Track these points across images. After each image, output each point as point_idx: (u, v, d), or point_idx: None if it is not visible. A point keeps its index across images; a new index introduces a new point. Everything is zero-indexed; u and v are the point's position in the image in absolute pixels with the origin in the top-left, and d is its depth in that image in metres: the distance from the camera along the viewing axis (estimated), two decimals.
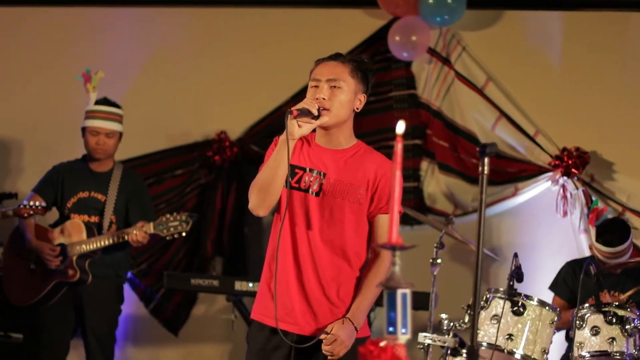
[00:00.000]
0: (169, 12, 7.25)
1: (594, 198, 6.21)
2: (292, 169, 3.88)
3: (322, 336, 3.83)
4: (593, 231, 5.66)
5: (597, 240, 5.60)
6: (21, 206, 5.54)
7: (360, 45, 6.92)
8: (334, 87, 3.86)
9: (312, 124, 3.80)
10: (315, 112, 3.77)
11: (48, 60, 7.25)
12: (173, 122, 7.11)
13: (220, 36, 7.18)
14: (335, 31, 6.96)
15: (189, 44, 7.22)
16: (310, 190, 3.89)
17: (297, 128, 3.76)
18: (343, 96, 3.86)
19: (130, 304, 6.85)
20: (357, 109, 3.94)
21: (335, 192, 3.87)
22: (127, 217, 6.00)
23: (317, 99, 3.83)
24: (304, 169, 3.92)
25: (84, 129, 6.02)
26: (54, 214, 6.09)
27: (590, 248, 5.82)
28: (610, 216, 5.85)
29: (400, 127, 2.41)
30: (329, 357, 3.83)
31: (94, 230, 5.85)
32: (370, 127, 6.73)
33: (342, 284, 3.90)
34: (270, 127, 6.88)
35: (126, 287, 6.48)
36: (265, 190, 3.82)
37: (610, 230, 5.62)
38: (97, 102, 6.02)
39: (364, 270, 3.94)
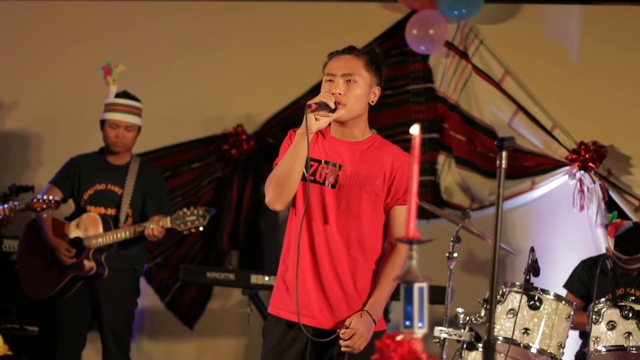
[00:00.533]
0: (186, 5, 7.25)
1: (611, 213, 6.17)
2: (308, 161, 3.88)
3: (342, 330, 3.83)
4: (612, 241, 5.63)
5: (615, 249, 5.57)
6: (34, 200, 5.52)
7: (378, 38, 6.92)
8: (349, 81, 3.85)
9: (329, 118, 3.80)
10: (333, 106, 3.77)
11: (67, 53, 7.25)
12: (190, 116, 7.12)
13: (237, 30, 7.18)
14: (353, 25, 6.95)
15: (206, 37, 7.21)
16: (327, 182, 3.89)
17: (314, 122, 3.76)
18: (358, 90, 3.86)
19: (146, 297, 6.87)
20: (372, 102, 3.94)
21: (352, 183, 3.87)
22: (143, 210, 6.01)
23: (332, 93, 3.83)
24: (319, 162, 3.92)
25: (103, 122, 6.03)
26: (70, 206, 6.11)
27: (607, 250, 5.78)
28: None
29: (415, 129, 2.40)
30: (348, 350, 3.82)
31: (110, 223, 5.85)
32: (387, 121, 6.73)
33: (359, 277, 3.89)
34: (286, 120, 6.88)
35: (142, 281, 6.50)
36: (282, 184, 3.82)
37: (630, 239, 5.59)
38: (117, 95, 6.03)
39: (380, 262, 3.94)
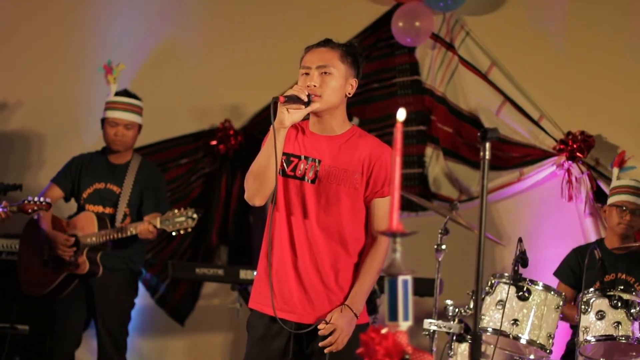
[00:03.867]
0: (174, 1, 7.24)
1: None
2: (287, 157, 3.89)
3: (321, 326, 3.83)
4: (616, 171, 5.72)
5: (617, 180, 5.63)
6: (25, 202, 5.53)
7: (364, 31, 6.91)
8: (325, 73, 3.85)
9: (303, 111, 3.80)
10: (305, 99, 3.77)
11: (59, 49, 7.25)
12: (177, 112, 7.11)
13: (224, 25, 7.17)
14: (339, 18, 6.94)
15: (194, 33, 7.20)
16: (306, 177, 3.89)
17: (287, 115, 3.77)
18: (334, 82, 3.86)
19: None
20: (349, 94, 3.94)
21: (330, 178, 3.87)
22: (140, 210, 6.00)
23: (307, 86, 3.82)
24: (298, 157, 3.92)
25: (103, 120, 6.03)
26: (71, 206, 6.12)
27: (604, 212, 5.80)
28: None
29: (401, 114, 2.39)
30: (331, 347, 3.82)
31: (106, 222, 5.85)
32: (374, 113, 6.74)
33: (340, 271, 3.90)
34: None
35: None
36: (260, 179, 3.83)
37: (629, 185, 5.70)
38: (117, 94, 6.04)
39: (362, 256, 3.94)
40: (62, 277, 5.83)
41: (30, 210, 5.53)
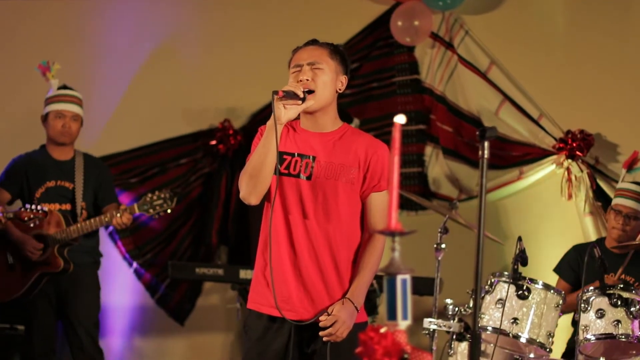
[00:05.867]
0: (171, 0, 7.24)
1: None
2: (280, 155, 3.89)
3: (322, 317, 3.83)
4: (623, 173, 5.75)
5: (625, 183, 5.66)
6: (22, 209, 5.50)
7: (363, 31, 6.92)
8: (316, 68, 3.88)
9: (299, 107, 3.81)
10: (301, 94, 3.79)
11: (47, 51, 7.23)
12: (176, 112, 7.11)
13: (223, 25, 7.17)
14: (338, 17, 6.95)
15: (192, 33, 7.20)
16: (302, 175, 3.89)
17: (284, 111, 3.79)
18: (325, 76, 3.89)
19: (136, 294, 6.87)
20: (340, 90, 3.96)
21: (327, 174, 3.88)
22: (95, 203, 6.01)
23: (300, 81, 3.84)
24: (292, 155, 3.92)
25: (46, 116, 6.01)
26: (17, 206, 6.07)
27: (608, 212, 5.79)
28: None
29: (400, 119, 2.39)
30: (331, 338, 3.82)
31: (69, 218, 5.85)
32: (373, 113, 6.74)
33: (340, 267, 3.89)
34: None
35: (132, 278, 6.48)
36: (255, 178, 3.84)
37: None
38: (59, 88, 6.04)
39: (359, 251, 3.94)
40: (35, 277, 5.81)
41: (26, 218, 5.50)
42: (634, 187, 5.69)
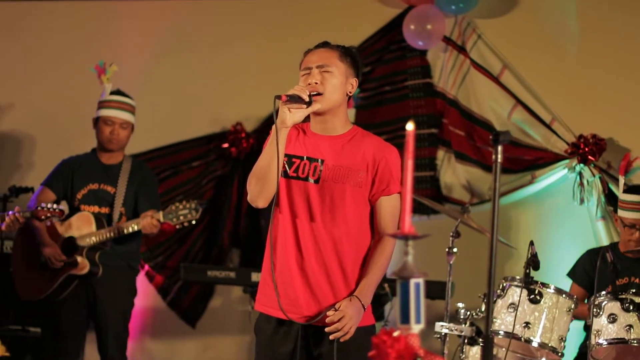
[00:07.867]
0: (184, 3, 7.27)
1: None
2: (289, 158, 3.89)
3: (330, 312, 3.82)
4: (621, 182, 5.67)
5: (623, 194, 5.60)
6: (39, 208, 5.50)
7: (376, 34, 6.92)
8: (325, 72, 3.87)
9: (304, 111, 3.81)
10: (306, 98, 3.78)
11: (62, 53, 7.26)
12: (189, 114, 7.12)
13: (236, 27, 7.18)
14: (351, 21, 6.96)
15: (205, 35, 7.22)
16: (310, 178, 3.89)
17: (289, 115, 3.78)
18: (335, 80, 3.88)
19: (148, 296, 6.87)
20: (350, 92, 3.96)
21: (335, 177, 3.88)
22: (135, 208, 6.00)
23: (309, 84, 3.84)
24: (301, 158, 3.93)
25: (97, 120, 6.03)
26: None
27: (616, 220, 5.76)
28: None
29: (410, 126, 2.39)
30: (338, 334, 3.81)
31: (103, 222, 5.85)
32: (385, 116, 6.74)
33: (347, 270, 3.90)
34: None
35: (143, 280, 6.47)
36: (262, 180, 3.84)
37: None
38: (111, 93, 6.03)
39: (368, 252, 3.94)
40: (62, 278, 5.82)
41: (43, 217, 5.50)
42: (635, 198, 5.64)
